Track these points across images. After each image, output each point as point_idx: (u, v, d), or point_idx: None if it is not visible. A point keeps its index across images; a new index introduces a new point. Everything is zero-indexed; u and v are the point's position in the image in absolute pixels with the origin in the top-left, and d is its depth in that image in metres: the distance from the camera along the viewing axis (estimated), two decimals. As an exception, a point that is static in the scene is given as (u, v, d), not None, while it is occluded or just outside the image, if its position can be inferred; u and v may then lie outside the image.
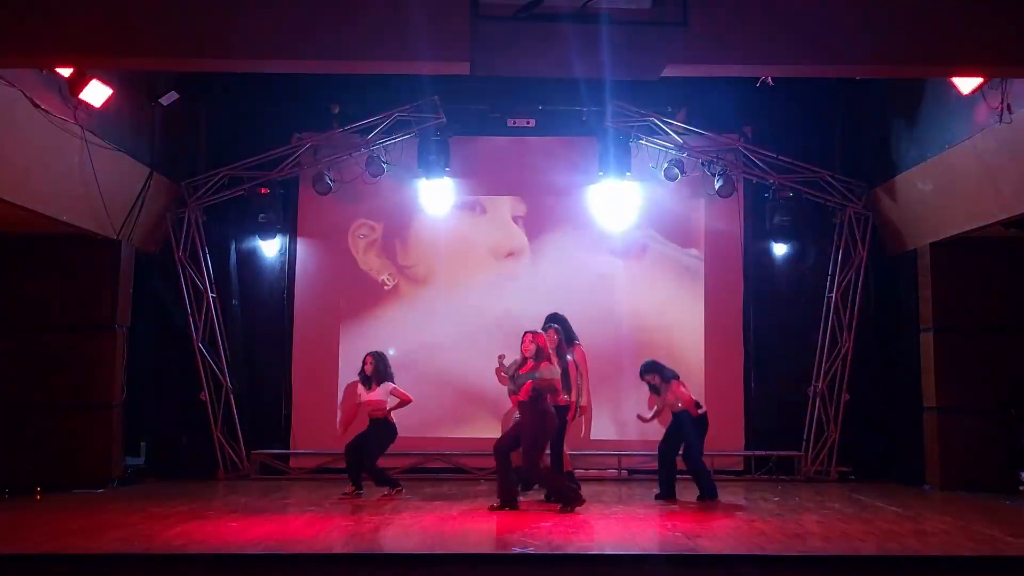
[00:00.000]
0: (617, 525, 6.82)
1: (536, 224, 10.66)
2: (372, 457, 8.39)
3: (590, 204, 10.62)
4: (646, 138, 10.23)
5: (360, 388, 8.67)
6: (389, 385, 8.56)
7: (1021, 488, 8.40)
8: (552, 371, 7.51)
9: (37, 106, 7.52)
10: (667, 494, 8.26)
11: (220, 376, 10.08)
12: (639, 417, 8.50)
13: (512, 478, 7.59)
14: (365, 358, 8.66)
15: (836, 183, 10.13)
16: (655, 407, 8.44)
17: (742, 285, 10.55)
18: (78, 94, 7.99)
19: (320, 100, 10.19)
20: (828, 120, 10.54)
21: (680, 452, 8.25)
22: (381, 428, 8.48)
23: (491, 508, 7.43)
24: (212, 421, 9.97)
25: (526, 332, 7.69)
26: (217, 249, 10.37)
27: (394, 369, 8.70)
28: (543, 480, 7.78)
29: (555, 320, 8.59)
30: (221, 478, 9.86)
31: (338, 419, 8.57)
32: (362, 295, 10.55)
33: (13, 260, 9.10)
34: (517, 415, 7.73)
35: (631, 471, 10.03)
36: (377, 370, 8.57)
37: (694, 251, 10.62)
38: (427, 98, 9.89)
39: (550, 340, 8.16)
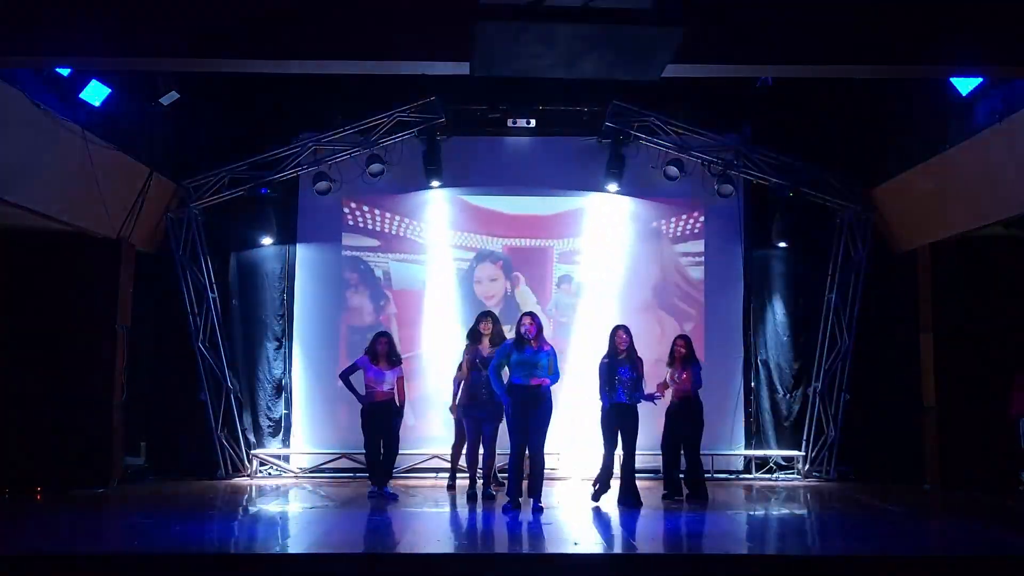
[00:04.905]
0: (617, 525, 6.82)
1: (536, 224, 10.66)
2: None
3: (590, 204, 10.62)
4: (646, 138, 10.23)
5: None
6: None
7: (1021, 488, 8.40)
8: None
9: (37, 106, 7.52)
10: (674, 492, 8.20)
11: (220, 376, 10.08)
12: (659, 387, 8.27)
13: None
14: None
15: (836, 183, 10.13)
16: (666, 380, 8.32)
17: (742, 285, 10.54)
18: (78, 94, 7.99)
19: (320, 100, 10.18)
20: (828, 120, 10.53)
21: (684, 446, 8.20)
22: None
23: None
24: (212, 421, 9.97)
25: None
26: (217, 249, 10.35)
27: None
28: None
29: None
30: (221, 478, 9.86)
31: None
32: (362, 295, 10.55)
33: (13, 260, 9.08)
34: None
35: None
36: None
37: (694, 251, 10.62)
38: (427, 98, 9.90)
39: (622, 342, 8.02)
